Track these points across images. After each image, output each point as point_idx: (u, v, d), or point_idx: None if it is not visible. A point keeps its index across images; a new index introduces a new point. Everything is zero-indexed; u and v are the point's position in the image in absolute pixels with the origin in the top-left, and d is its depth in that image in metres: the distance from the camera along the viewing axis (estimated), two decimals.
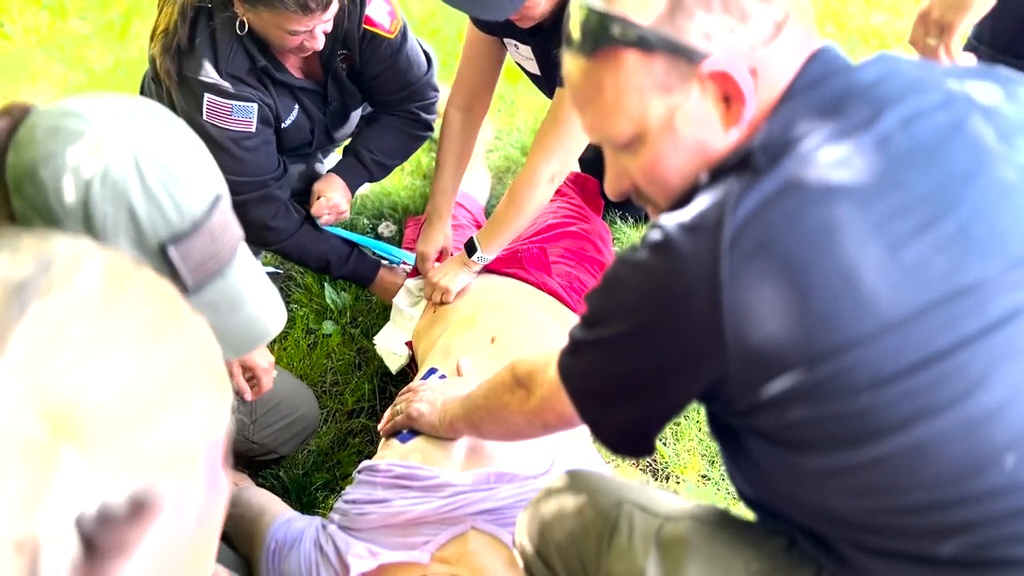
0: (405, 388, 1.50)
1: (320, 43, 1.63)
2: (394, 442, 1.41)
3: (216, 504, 0.48)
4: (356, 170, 1.95)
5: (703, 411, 0.85)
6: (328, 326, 1.97)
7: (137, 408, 0.40)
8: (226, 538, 1.44)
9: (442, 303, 1.75)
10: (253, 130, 1.69)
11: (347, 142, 2.03)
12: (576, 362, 0.86)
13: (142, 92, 1.97)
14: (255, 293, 0.92)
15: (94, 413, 0.38)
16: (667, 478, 1.63)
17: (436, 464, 1.32)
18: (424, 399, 1.40)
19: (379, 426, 1.50)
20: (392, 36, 1.77)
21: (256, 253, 2.05)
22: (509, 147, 2.57)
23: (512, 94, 2.74)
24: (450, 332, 1.65)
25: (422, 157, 2.56)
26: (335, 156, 2.44)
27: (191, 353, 0.45)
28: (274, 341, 1.95)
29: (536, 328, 1.59)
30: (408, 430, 1.41)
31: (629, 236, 2.20)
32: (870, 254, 0.67)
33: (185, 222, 0.81)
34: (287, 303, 2.08)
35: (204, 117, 1.65)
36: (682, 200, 0.77)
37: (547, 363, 0.96)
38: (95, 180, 0.77)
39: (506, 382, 1.08)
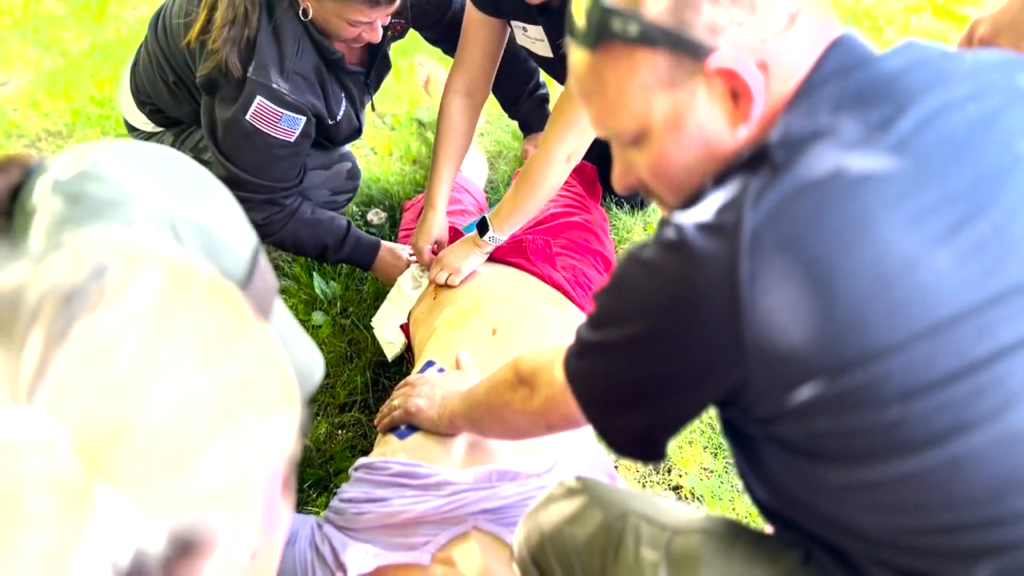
0: (402, 382, 1.45)
1: (379, 36, 1.61)
2: (392, 438, 1.37)
3: (274, 538, 0.44)
4: None
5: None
6: (318, 317, 1.92)
7: (184, 439, 0.36)
8: None
9: (447, 285, 1.70)
10: (292, 140, 1.68)
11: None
12: (583, 364, 0.82)
13: (133, 77, 1.90)
14: (295, 342, 0.89)
15: (134, 446, 0.35)
16: (669, 471, 1.60)
17: (436, 461, 1.28)
18: (422, 393, 1.36)
19: (375, 421, 1.45)
20: None
21: None
22: (500, 131, 2.51)
23: None
24: (450, 322, 1.61)
25: (411, 141, 2.50)
26: None
27: (251, 370, 0.40)
28: None
29: (539, 321, 1.55)
30: (406, 425, 1.37)
31: (625, 223, 2.16)
32: (900, 256, 0.63)
33: (242, 270, 0.77)
34: None
35: (247, 116, 1.61)
36: (694, 197, 0.73)
37: (552, 362, 0.92)
38: None
39: (508, 380, 1.04)
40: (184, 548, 0.36)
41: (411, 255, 1.88)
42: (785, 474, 0.73)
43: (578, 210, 1.90)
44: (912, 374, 0.63)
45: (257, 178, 1.67)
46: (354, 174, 2.02)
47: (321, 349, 1.83)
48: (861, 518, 0.70)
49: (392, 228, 2.19)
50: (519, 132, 2.44)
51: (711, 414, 1.60)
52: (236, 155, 1.65)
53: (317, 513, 1.49)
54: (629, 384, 0.76)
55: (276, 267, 2.10)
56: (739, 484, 1.38)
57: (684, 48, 0.70)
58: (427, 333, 1.64)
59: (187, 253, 0.41)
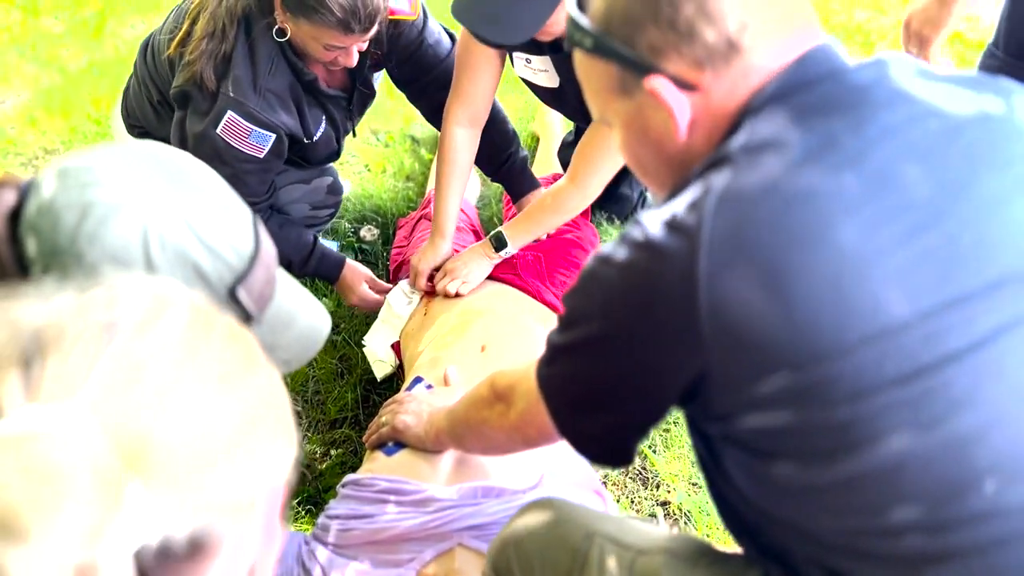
0: (390, 399, 1.46)
1: (354, 60, 1.62)
2: (379, 455, 1.38)
3: (270, 554, 0.49)
4: None
5: None
6: None
7: (204, 451, 0.42)
8: None
9: (457, 294, 1.72)
10: (261, 156, 1.68)
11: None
12: (553, 370, 0.84)
13: (124, 102, 1.93)
14: (300, 303, 0.93)
15: (163, 452, 0.40)
16: (657, 486, 1.60)
17: (423, 478, 1.29)
18: (410, 410, 1.36)
19: (364, 438, 1.46)
20: (415, 17, 1.76)
21: None
22: None
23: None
24: (440, 338, 1.62)
25: (405, 158, 2.52)
26: None
27: (261, 403, 0.46)
28: None
29: (528, 338, 1.56)
30: (394, 442, 1.37)
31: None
32: (852, 261, 0.65)
33: (244, 261, 0.81)
34: None
35: (217, 130, 1.62)
36: (674, 191, 0.77)
37: (526, 375, 0.93)
38: (153, 252, 0.75)
39: (485, 397, 1.05)
40: (195, 548, 0.41)
41: (400, 277, 1.90)
42: (743, 478, 0.75)
43: (569, 227, 1.92)
44: (862, 376, 0.64)
45: None
46: (335, 189, 2.03)
47: (312, 366, 1.85)
48: (814, 521, 0.72)
49: (385, 245, 2.20)
50: None
51: None
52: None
53: (306, 530, 1.50)
54: (595, 383, 0.79)
55: None
56: None
57: (629, 65, 0.77)
58: (417, 349, 1.65)
59: (207, 301, 0.48)
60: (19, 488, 0.37)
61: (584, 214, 2.01)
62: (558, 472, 1.32)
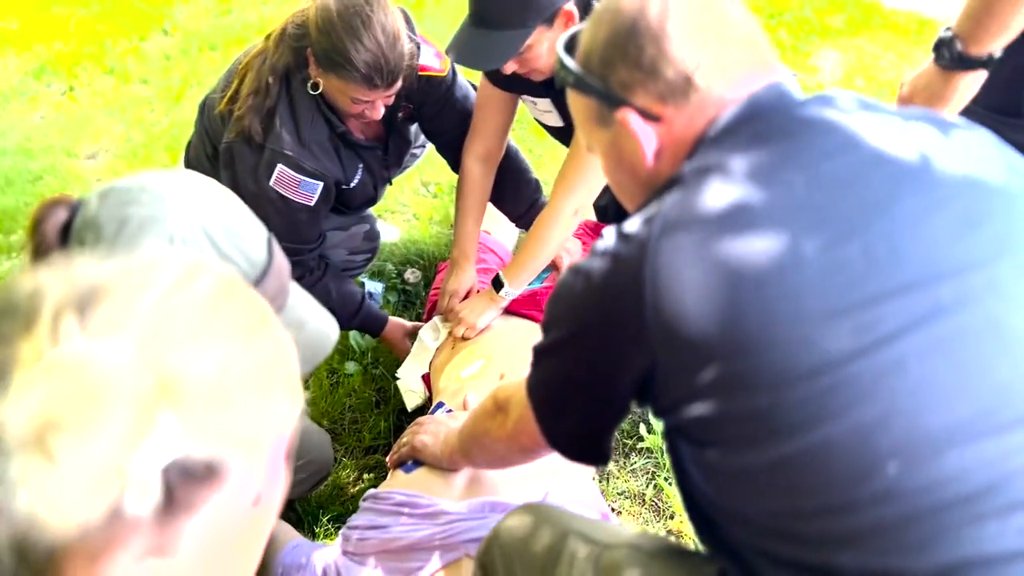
0: (414, 422, 1.56)
1: (379, 114, 1.71)
2: (399, 472, 1.47)
3: (274, 492, 0.56)
4: None
5: None
6: (350, 366, 2.05)
7: (225, 390, 0.48)
8: None
9: (464, 338, 1.83)
10: (312, 204, 1.79)
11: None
12: (536, 373, 0.94)
13: (187, 150, 2.08)
14: (310, 312, 1.01)
15: (192, 386, 0.47)
16: (671, 516, 1.64)
17: (436, 493, 1.38)
18: (428, 431, 1.46)
19: (387, 458, 1.56)
20: (444, 74, 1.88)
21: None
22: None
23: (540, 148, 2.84)
24: (464, 372, 1.72)
25: (450, 207, 2.66)
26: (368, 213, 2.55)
27: (274, 358, 0.53)
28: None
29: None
30: (413, 461, 1.47)
31: None
32: (777, 266, 0.73)
33: (257, 270, 0.90)
34: None
35: (271, 182, 1.73)
36: (640, 208, 0.87)
37: (521, 385, 1.02)
38: None
39: (488, 409, 1.14)
40: (210, 471, 0.47)
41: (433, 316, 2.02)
42: (693, 467, 0.82)
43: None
44: (779, 367, 0.72)
45: (283, 241, 1.76)
46: (372, 235, 2.14)
47: (351, 396, 1.97)
48: (750, 506, 0.78)
49: (427, 287, 2.33)
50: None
51: None
52: (263, 222, 1.79)
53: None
54: (567, 381, 0.89)
55: None
56: None
57: (604, 99, 0.88)
58: (443, 381, 1.75)
59: (229, 268, 0.56)
60: (67, 397, 0.43)
61: (595, 235, 2.11)
62: (563, 491, 1.38)
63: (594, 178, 1.71)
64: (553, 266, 1.97)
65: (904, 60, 3.61)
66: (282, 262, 0.97)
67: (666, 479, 1.71)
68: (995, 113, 1.37)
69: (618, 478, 1.74)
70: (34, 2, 4.48)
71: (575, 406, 0.90)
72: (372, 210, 2.56)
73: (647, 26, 0.84)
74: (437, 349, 1.89)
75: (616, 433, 1.19)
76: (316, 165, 1.75)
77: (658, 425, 1.79)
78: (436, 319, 1.95)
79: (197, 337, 0.49)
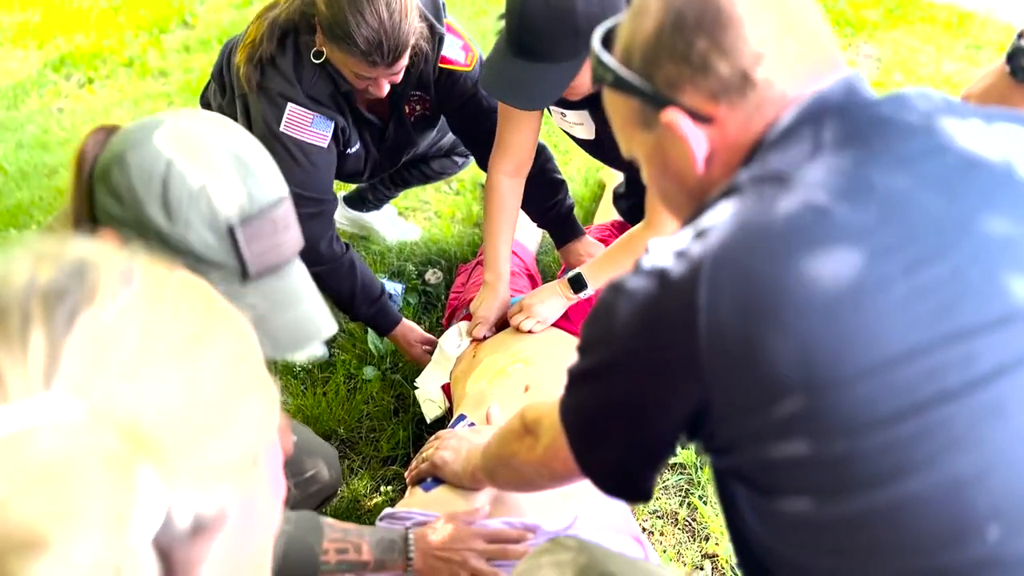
0: (433, 436, 1.48)
1: (383, 91, 1.67)
2: (418, 490, 1.39)
3: (277, 502, 0.49)
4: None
5: None
6: (369, 371, 1.97)
7: (196, 419, 0.40)
8: None
9: (485, 338, 1.74)
10: (325, 145, 1.74)
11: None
12: (571, 399, 0.85)
13: (202, 104, 2.05)
14: (309, 297, 0.95)
15: (158, 428, 0.38)
16: (706, 538, 1.55)
17: None
18: (449, 447, 1.37)
19: (406, 474, 1.48)
20: (469, 69, 1.80)
21: None
22: None
23: (566, 143, 2.75)
24: (486, 380, 1.63)
25: (473, 206, 2.57)
26: (389, 208, 2.48)
27: (234, 355, 0.44)
28: (315, 385, 1.96)
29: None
30: (432, 478, 1.38)
31: None
32: (852, 291, 0.63)
33: (253, 207, 0.86)
34: (329, 348, 2.09)
35: (281, 127, 1.68)
36: (690, 220, 0.78)
37: (552, 408, 0.93)
38: (175, 161, 0.84)
39: (515, 430, 1.06)
40: (205, 522, 0.39)
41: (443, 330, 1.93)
42: (751, 514, 0.73)
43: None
44: (857, 410, 0.62)
45: (303, 189, 1.68)
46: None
47: (369, 403, 1.89)
48: (817, 563, 0.69)
49: (448, 288, 2.24)
50: (580, 196, 2.48)
51: None
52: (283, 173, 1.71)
53: None
54: (605, 412, 0.79)
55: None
56: None
57: (647, 99, 0.78)
58: (465, 390, 1.66)
59: (152, 256, 0.45)
60: (29, 495, 0.34)
61: None
62: (594, 515, 1.29)
63: None
64: None
65: (943, 54, 3.47)
66: (289, 228, 0.91)
67: (700, 497, 1.61)
68: None
69: None
70: None
71: (614, 439, 0.81)
72: (394, 206, 2.49)
73: (697, 16, 0.74)
74: (458, 358, 1.80)
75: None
76: (320, 109, 1.71)
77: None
78: (457, 326, 1.86)
79: (143, 363, 0.39)
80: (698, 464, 1.68)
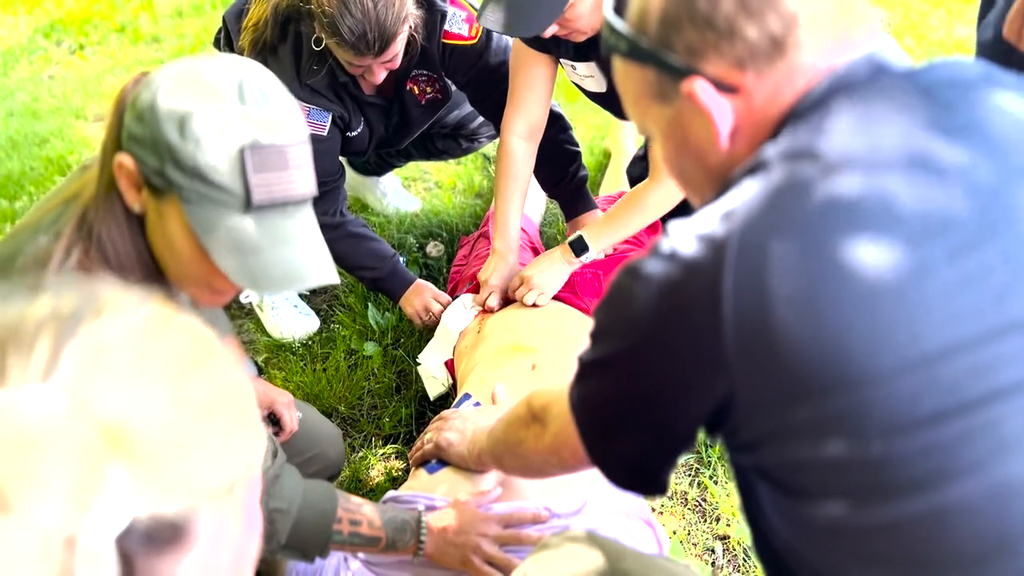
0: (437, 416, 1.44)
1: (379, 78, 1.67)
2: (422, 472, 1.35)
3: (251, 541, 0.49)
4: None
5: None
6: (370, 347, 1.93)
7: (178, 434, 0.42)
8: None
9: (535, 305, 1.69)
10: (325, 134, 1.75)
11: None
12: (582, 388, 0.80)
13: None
14: (311, 242, 0.94)
15: (140, 434, 0.40)
16: (717, 519, 1.52)
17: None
18: (454, 428, 1.33)
19: (409, 454, 1.44)
20: (474, 41, 1.78)
21: None
22: None
23: (570, 112, 2.68)
24: (491, 356, 1.59)
25: (475, 176, 2.51)
26: (393, 178, 2.42)
27: (226, 389, 0.46)
28: (315, 361, 1.92)
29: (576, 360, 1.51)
30: (436, 460, 1.34)
31: None
32: (891, 279, 0.58)
33: (266, 136, 0.86)
34: (329, 323, 2.05)
35: None
36: (712, 200, 0.72)
37: (561, 395, 0.89)
38: (197, 83, 0.86)
39: (522, 416, 1.01)
40: (176, 531, 0.40)
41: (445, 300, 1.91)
42: (775, 515, 0.69)
43: (632, 244, 1.86)
44: (896, 408, 0.58)
45: None
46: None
47: (371, 380, 1.85)
48: (847, 571, 0.65)
49: (450, 261, 2.19)
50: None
51: None
52: None
53: None
54: (620, 402, 0.75)
55: (333, 296, 2.13)
56: None
57: (666, 68, 0.72)
58: (469, 367, 1.62)
59: (164, 304, 0.48)
60: (2, 459, 0.37)
61: (651, 229, 1.95)
62: (603, 499, 1.26)
63: None
64: None
65: (955, 18, 3.39)
66: (303, 168, 0.91)
67: (711, 477, 1.58)
68: None
69: None
70: None
71: (629, 432, 0.76)
72: (396, 176, 2.43)
73: None
74: (462, 333, 1.75)
75: None
76: (317, 102, 1.73)
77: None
78: (461, 299, 1.81)
79: (137, 377, 0.42)
80: (708, 443, 1.64)
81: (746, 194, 0.65)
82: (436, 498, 1.26)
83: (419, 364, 1.79)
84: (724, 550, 1.47)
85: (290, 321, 2.01)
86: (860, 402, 0.58)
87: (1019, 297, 0.58)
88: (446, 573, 1.18)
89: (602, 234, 1.67)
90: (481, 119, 2.11)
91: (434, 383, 1.74)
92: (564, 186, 1.94)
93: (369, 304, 2.03)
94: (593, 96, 1.85)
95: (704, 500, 1.55)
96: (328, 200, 1.81)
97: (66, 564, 0.37)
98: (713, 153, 0.74)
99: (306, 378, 1.86)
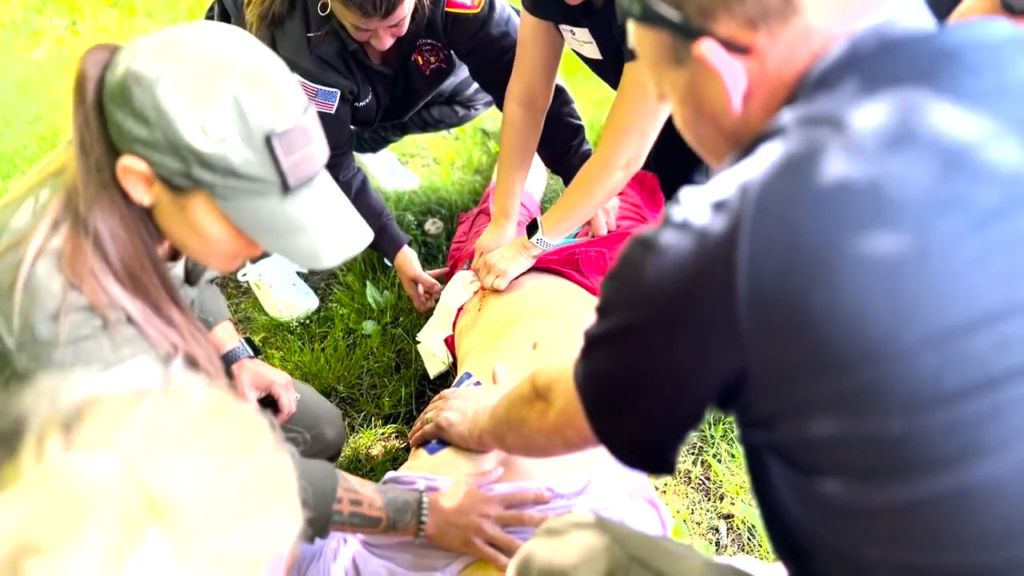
0: (438, 395, 1.41)
1: (385, 44, 1.65)
2: (422, 452, 1.33)
3: None
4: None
5: None
6: (368, 326, 1.90)
7: (219, 508, 0.46)
8: None
9: (494, 289, 1.67)
10: (332, 112, 1.76)
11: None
12: (589, 364, 0.77)
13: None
14: (343, 205, 0.96)
15: (182, 504, 0.44)
16: (721, 498, 1.50)
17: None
18: (454, 407, 1.31)
19: (409, 434, 1.42)
20: (477, 10, 1.77)
21: None
22: None
23: (570, 87, 2.63)
24: (492, 334, 1.56)
25: (474, 152, 2.47)
26: (389, 155, 2.39)
27: (268, 473, 0.50)
28: (313, 340, 1.89)
29: (582, 335, 1.48)
30: (437, 440, 1.32)
31: None
32: (915, 249, 0.56)
33: (285, 118, 0.85)
34: (327, 302, 2.02)
35: None
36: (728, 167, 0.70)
37: (565, 371, 0.86)
38: (203, 77, 0.82)
39: (525, 394, 0.99)
40: None
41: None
42: (788, 493, 0.67)
43: (636, 221, 1.83)
44: (919, 384, 0.55)
45: None
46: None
47: (370, 359, 1.83)
48: (864, 551, 0.63)
49: (449, 239, 2.16)
50: None
51: None
52: None
53: None
54: (628, 378, 0.72)
55: (331, 275, 2.11)
56: None
57: (678, 30, 0.69)
58: (470, 345, 1.59)
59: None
60: (46, 515, 0.41)
61: (655, 206, 1.92)
62: (607, 479, 1.24)
63: (647, 123, 1.51)
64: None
65: None
66: (317, 134, 0.90)
67: (715, 455, 1.56)
68: None
69: None
70: None
71: (637, 409, 0.74)
72: (393, 152, 2.40)
73: None
74: (462, 309, 1.73)
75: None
76: (326, 78, 1.72)
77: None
78: (461, 274, 1.78)
79: (187, 454, 0.47)
80: (712, 421, 1.62)
81: (763, 161, 0.62)
82: (437, 478, 1.23)
83: (418, 342, 1.77)
84: (728, 529, 1.45)
85: (289, 300, 1.98)
86: (881, 377, 0.56)
87: None
88: (447, 554, 1.16)
89: (555, 220, 1.64)
90: (476, 85, 2.09)
91: (434, 361, 1.71)
92: (567, 160, 1.91)
93: (368, 282, 2.00)
94: (591, 64, 1.82)
95: (708, 479, 1.53)
96: (336, 172, 1.82)
97: None
98: (727, 116, 0.71)
99: (304, 358, 1.83)
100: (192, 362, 0.97)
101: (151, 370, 0.89)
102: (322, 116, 1.63)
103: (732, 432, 1.60)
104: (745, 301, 0.59)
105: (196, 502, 0.45)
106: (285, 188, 0.86)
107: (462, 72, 2.04)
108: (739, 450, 1.56)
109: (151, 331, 0.91)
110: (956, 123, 0.59)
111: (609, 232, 1.81)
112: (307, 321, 1.97)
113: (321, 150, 0.91)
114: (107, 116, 0.84)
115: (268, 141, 0.83)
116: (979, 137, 0.59)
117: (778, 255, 0.58)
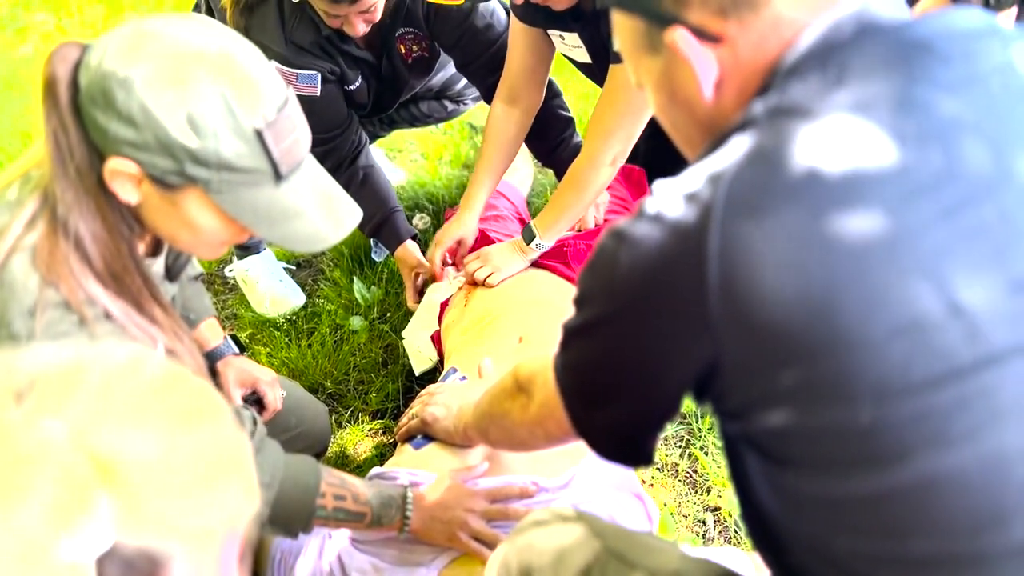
0: (424, 391, 1.41)
1: (358, 31, 1.63)
2: (407, 447, 1.33)
3: None
4: None
5: None
6: (355, 322, 1.90)
7: (169, 476, 0.45)
8: None
9: (485, 284, 1.67)
10: (317, 94, 1.74)
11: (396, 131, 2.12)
12: (566, 356, 0.78)
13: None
14: (331, 184, 0.96)
15: (131, 469, 0.44)
16: (708, 490, 1.50)
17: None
18: (440, 403, 1.31)
19: (395, 430, 1.41)
20: (460, 2, 1.75)
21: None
22: None
23: (559, 81, 2.63)
24: (478, 329, 1.56)
25: (462, 146, 2.47)
26: (376, 151, 2.38)
27: (222, 447, 0.50)
28: (299, 337, 1.89)
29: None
30: (422, 435, 1.32)
31: None
32: (884, 235, 0.56)
33: (270, 107, 0.85)
34: (314, 298, 2.01)
35: None
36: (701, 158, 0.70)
37: (547, 364, 0.86)
38: (188, 74, 0.81)
39: (508, 388, 0.99)
40: (151, 564, 0.43)
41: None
42: (763, 485, 0.67)
43: (622, 211, 1.83)
44: (887, 374, 0.55)
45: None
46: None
47: (356, 355, 1.82)
48: (835, 542, 0.63)
49: (435, 234, 2.16)
50: None
51: None
52: None
53: None
54: (604, 369, 0.72)
55: (318, 270, 2.10)
56: None
57: (651, 17, 0.69)
58: (455, 340, 1.59)
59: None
60: None
61: (639, 192, 1.92)
62: (592, 473, 1.24)
63: (632, 121, 1.52)
64: None
65: None
66: (300, 119, 0.91)
67: (701, 448, 1.56)
68: None
69: None
70: None
71: (613, 400, 0.74)
72: (380, 147, 2.39)
73: None
74: (447, 304, 1.72)
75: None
76: (302, 61, 1.71)
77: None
78: (446, 269, 1.78)
79: (139, 421, 0.46)
80: (698, 413, 1.62)
81: (734, 152, 0.62)
82: (421, 473, 1.23)
83: (404, 339, 1.77)
84: (715, 522, 1.45)
85: (275, 296, 1.98)
86: (849, 367, 0.56)
87: (1016, 257, 0.56)
88: (432, 549, 1.16)
89: (548, 222, 1.65)
90: (465, 80, 2.08)
91: (420, 358, 1.71)
92: (558, 154, 1.92)
93: (355, 278, 2.00)
94: (581, 67, 1.83)
95: (695, 472, 1.54)
96: (335, 156, 1.82)
97: (42, 573, 0.40)
98: (700, 105, 0.71)
99: (291, 354, 1.83)
100: (175, 359, 0.96)
101: None
102: (309, 99, 1.65)
103: (671, 420, 1.61)
104: (716, 291, 0.59)
105: (146, 469, 0.44)
106: (278, 176, 0.87)
107: (451, 67, 2.03)
108: (666, 423, 1.58)
109: (132, 329, 0.90)
110: (923, 115, 0.60)
111: (597, 226, 1.81)
112: (294, 317, 1.96)
113: (305, 134, 0.91)
114: (86, 119, 0.83)
115: (258, 132, 0.84)
116: (945, 129, 0.59)
117: (747, 246, 0.58)
